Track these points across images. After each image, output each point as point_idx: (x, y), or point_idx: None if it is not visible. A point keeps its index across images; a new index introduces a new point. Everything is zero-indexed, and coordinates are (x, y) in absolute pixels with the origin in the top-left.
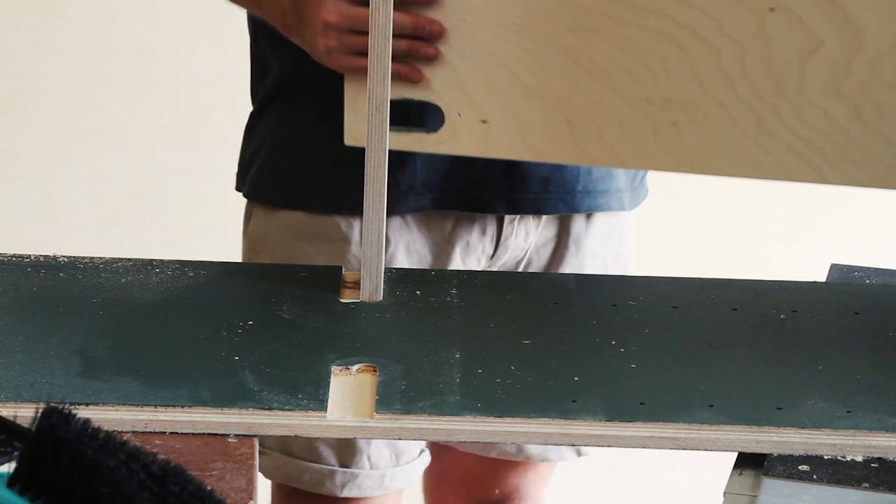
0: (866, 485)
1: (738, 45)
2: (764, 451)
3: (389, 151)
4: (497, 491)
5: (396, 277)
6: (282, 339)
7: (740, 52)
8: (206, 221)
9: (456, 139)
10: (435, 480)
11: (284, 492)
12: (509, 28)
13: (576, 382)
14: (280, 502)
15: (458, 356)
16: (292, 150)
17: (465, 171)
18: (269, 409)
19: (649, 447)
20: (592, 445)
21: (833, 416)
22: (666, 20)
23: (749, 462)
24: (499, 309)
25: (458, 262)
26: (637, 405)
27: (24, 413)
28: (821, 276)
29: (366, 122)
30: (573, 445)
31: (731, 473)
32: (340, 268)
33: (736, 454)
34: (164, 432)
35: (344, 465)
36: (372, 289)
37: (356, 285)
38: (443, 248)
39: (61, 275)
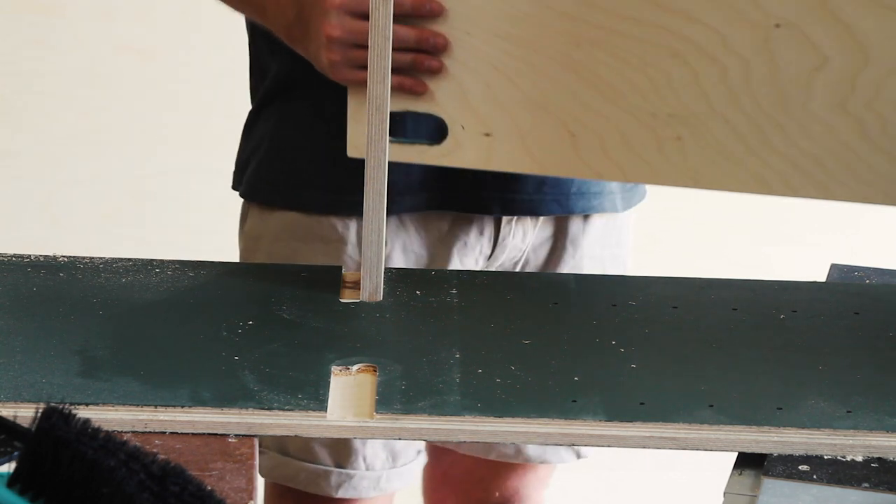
0: (866, 485)
1: (743, 61)
2: (764, 451)
3: None
4: (497, 494)
5: (396, 277)
6: (282, 339)
7: (745, 68)
8: (206, 221)
9: (459, 152)
10: (434, 483)
11: (278, 491)
12: (513, 41)
13: (576, 382)
14: (273, 501)
15: (458, 356)
16: (289, 150)
17: (461, 172)
18: (269, 409)
19: (649, 447)
20: (592, 445)
21: (833, 416)
22: (671, 35)
23: (749, 462)
24: (499, 309)
25: (455, 263)
26: (637, 405)
27: (24, 413)
28: (821, 276)
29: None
30: (573, 445)
31: (731, 473)
32: (340, 268)
33: (736, 454)
34: (164, 432)
35: (339, 465)
36: (372, 289)
37: (356, 285)
38: (440, 249)
39: (61, 275)
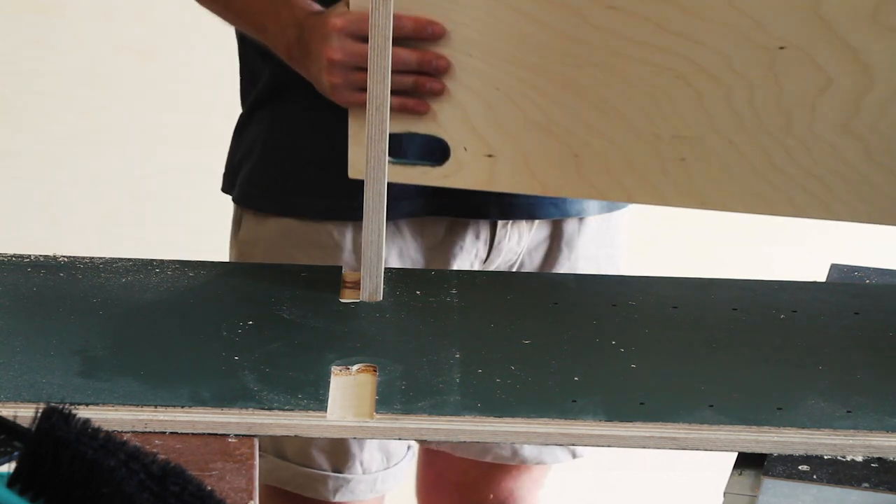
0: (866, 485)
1: (748, 83)
2: (764, 451)
3: None
4: (491, 496)
5: (396, 277)
6: (282, 339)
7: (750, 89)
8: (206, 221)
9: (461, 173)
10: (428, 486)
11: (276, 494)
12: (515, 63)
13: (576, 382)
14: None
15: (458, 356)
16: (283, 155)
17: None
18: (269, 409)
19: (649, 447)
20: (592, 445)
21: (833, 416)
22: (675, 57)
23: (749, 462)
24: (499, 309)
25: (451, 267)
26: (637, 405)
27: (24, 413)
28: (821, 276)
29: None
30: (573, 445)
31: (731, 473)
32: (340, 268)
33: (736, 454)
34: (164, 432)
35: (337, 470)
36: (372, 289)
37: (356, 285)
38: (436, 254)
39: (61, 275)
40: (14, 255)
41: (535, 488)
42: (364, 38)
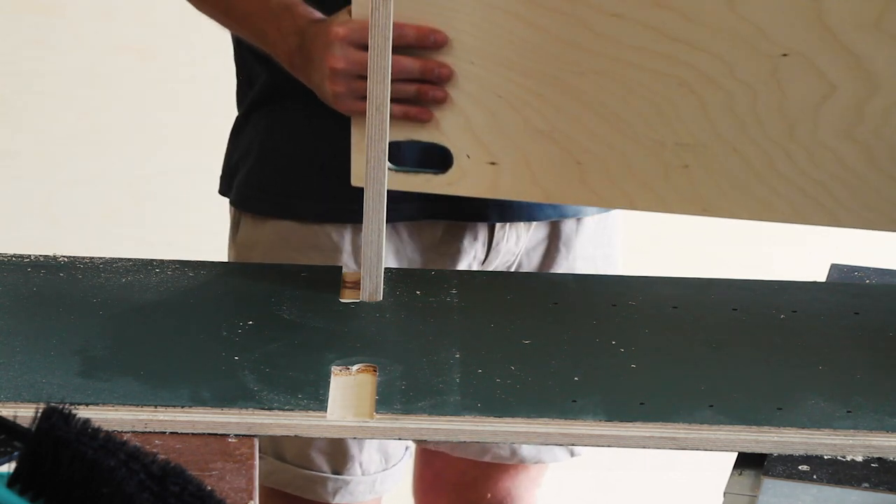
0: (866, 485)
1: (751, 90)
2: (764, 451)
3: None
4: (489, 495)
5: (396, 277)
6: (282, 339)
7: (753, 97)
8: (206, 221)
9: (465, 181)
10: (425, 486)
11: (275, 496)
12: (518, 71)
13: (576, 382)
14: None
15: (458, 356)
16: (281, 158)
17: None
18: (269, 409)
19: (649, 447)
20: (592, 445)
21: (833, 416)
22: (677, 64)
23: (749, 462)
24: (499, 309)
25: (449, 268)
26: (637, 405)
27: (24, 413)
28: (821, 276)
29: None
30: (573, 445)
31: (731, 473)
32: (340, 268)
33: (736, 454)
34: (164, 432)
35: (336, 471)
36: (372, 289)
37: (356, 285)
38: (433, 255)
39: (61, 275)
40: (14, 255)
41: (532, 487)
42: (366, 47)
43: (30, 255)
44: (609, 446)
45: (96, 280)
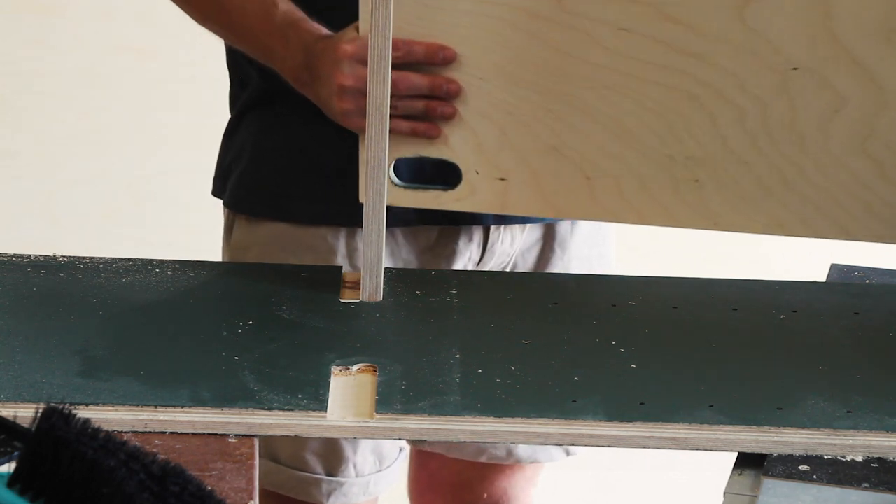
0: (866, 485)
1: (761, 104)
2: (764, 451)
3: None
4: (485, 495)
5: (396, 277)
6: (282, 339)
7: (763, 110)
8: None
9: (474, 196)
10: (421, 487)
11: (268, 497)
12: (526, 86)
13: (576, 382)
14: None
15: (458, 356)
16: (275, 160)
17: None
18: (269, 409)
19: (649, 447)
20: (592, 445)
21: (833, 416)
22: (687, 78)
23: (749, 462)
24: (499, 309)
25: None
26: (637, 405)
27: (24, 413)
28: (821, 276)
29: None
30: (573, 445)
31: (731, 473)
32: (340, 268)
33: (736, 454)
34: (164, 432)
35: (330, 473)
36: (372, 289)
37: (356, 285)
38: (429, 257)
39: (61, 275)
40: (14, 255)
41: (528, 487)
42: None
43: (30, 255)
44: (609, 446)
45: (96, 280)
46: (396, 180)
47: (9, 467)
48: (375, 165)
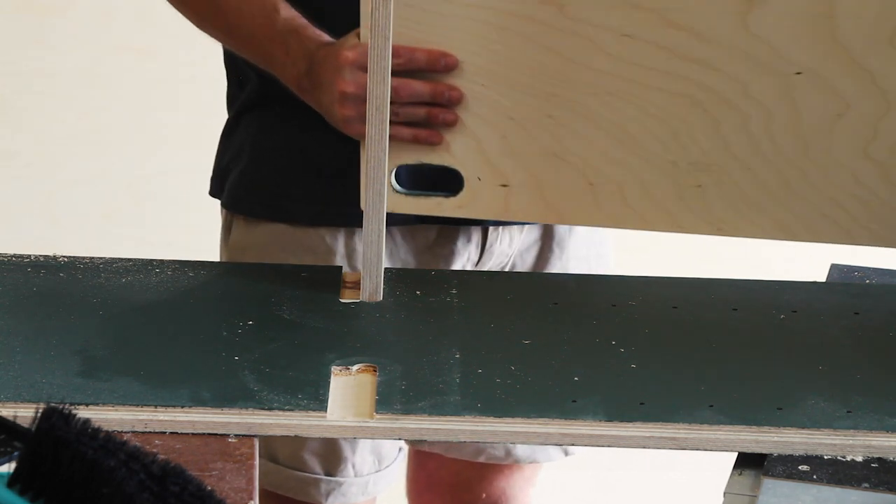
0: (866, 485)
1: (765, 109)
2: (764, 451)
3: None
4: (483, 495)
5: (396, 277)
6: (282, 339)
7: (767, 115)
8: (206, 221)
9: (476, 203)
10: (419, 487)
11: (267, 497)
12: (529, 93)
13: (576, 382)
14: None
15: (458, 356)
16: (273, 160)
17: None
18: (269, 409)
19: (649, 447)
20: (592, 445)
21: (833, 416)
22: (690, 84)
23: (749, 462)
24: (499, 309)
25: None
26: (637, 405)
27: (24, 413)
28: (821, 276)
29: None
30: (573, 445)
31: (731, 473)
32: (340, 268)
33: (736, 454)
34: (164, 432)
35: (329, 473)
36: (372, 289)
37: (356, 285)
38: (427, 257)
39: (61, 275)
40: (14, 255)
41: (527, 487)
42: None
43: (30, 255)
44: (609, 446)
45: (96, 280)
46: (398, 187)
47: (9, 467)
48: (375, 165)
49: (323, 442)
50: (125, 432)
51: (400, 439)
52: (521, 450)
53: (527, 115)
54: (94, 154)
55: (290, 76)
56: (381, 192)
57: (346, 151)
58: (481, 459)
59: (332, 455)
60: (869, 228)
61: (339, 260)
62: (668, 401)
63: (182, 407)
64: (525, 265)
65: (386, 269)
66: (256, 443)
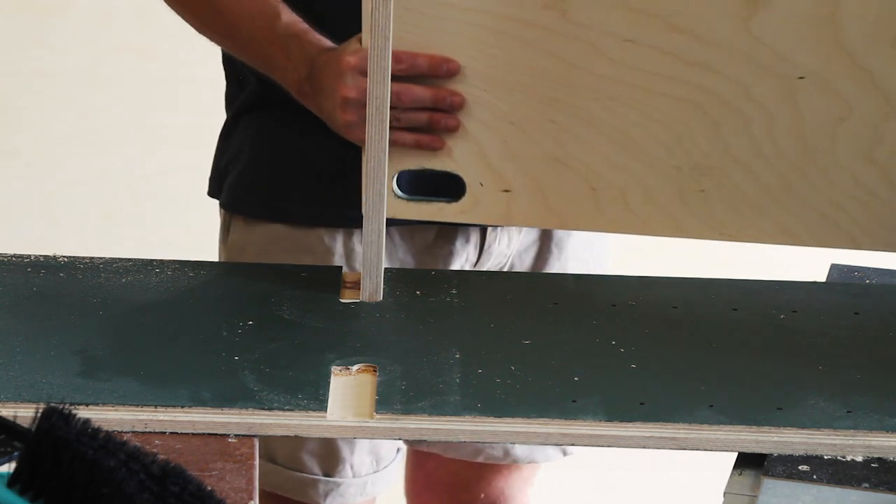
0: (866, 485)
1: (767, 112)
2: (764, 451)
3: None
4: (482, 495)
5: (396, 277)
6: (282, 339)
7: (769, 119)
8: (206, 221)
9: (478, 208)
10: (418, 487)
11: (265, 497)
12: (531, 98)
13: (576, 382)
14: None
15: (458, 356)
16: (272, 161)
17: None
18: (269, 409)
19: (649, 447)
20: (592, 445)
21: (833, 416)
22: (693, 88)
23: (749, 462)
24: (499, 309)
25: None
26: (637, 405)
27: (24, 413)
28: (821, 276)
29: None
30: (573, 445)
31: (731, 473)
32: (340, 268)
33: (736, 454)
34: (164, 432)
35: (327, 474)
36: (372, 289)
37: (356, 285)
38: (426, 257)
39: (61, 275)
40: (14, 255)
41: (525, 487)
42: None
43: (30, 255)
44: (609, 446)
45: (96, 280)
46: (399, 193)
47: (9, 467)
48: (375, 164)
49: (321, 442)
50: (125, 432)
51: (400, 439)
52: (519, 450)
53: (529, 120)
54: (94, 154)
55: (290, 81)
56: (381, 192)
57: (346, 156)
58: (480, 459)
59: (330, 456)
60: (873, 233)
61: (338, 260)
62: (668, 401)
63: (182, 407)
64: (524, 266)
65: (386, 269)
66: (256, 443)
